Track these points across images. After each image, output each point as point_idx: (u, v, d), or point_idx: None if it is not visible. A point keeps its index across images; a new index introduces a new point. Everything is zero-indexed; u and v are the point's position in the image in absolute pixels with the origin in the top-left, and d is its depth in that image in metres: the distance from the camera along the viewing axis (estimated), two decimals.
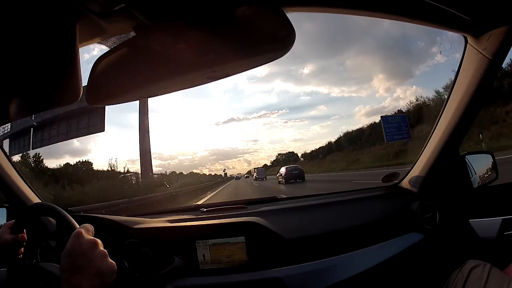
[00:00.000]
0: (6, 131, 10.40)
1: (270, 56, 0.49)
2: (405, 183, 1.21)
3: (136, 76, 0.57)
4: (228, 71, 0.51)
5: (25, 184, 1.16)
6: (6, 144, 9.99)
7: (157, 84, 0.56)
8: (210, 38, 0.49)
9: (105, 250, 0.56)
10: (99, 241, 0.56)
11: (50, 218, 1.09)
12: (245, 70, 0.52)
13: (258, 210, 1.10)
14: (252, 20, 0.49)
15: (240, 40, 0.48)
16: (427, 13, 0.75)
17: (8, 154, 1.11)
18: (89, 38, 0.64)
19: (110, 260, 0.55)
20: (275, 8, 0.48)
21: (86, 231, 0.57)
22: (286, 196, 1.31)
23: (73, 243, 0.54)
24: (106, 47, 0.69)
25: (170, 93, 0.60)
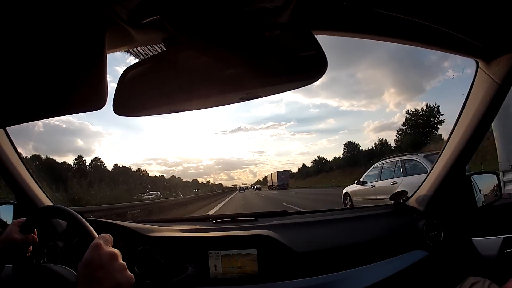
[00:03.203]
0: None
1: (302, 83, 0.51)
2: (412, 202, 1.22)
3: (168, 91, 0.58)
4: (261, 93, 0.53)
5: (35, 183, 1.15)
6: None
7: (189, 100, 0.57)
8: (245, 61, 0.51)
9: (124, 263, 0.55)
10: (118, 253, 0.55)
11: (59, 219, 1.08)
12: (276, 93, 0.54)
13: (269, 223, 1.11)
14: (286, 46, 0.50)
15: (276, 65, 0.50)
16: (441, 40, 0.77)
17: (20, 153, 1.11)
18: (117, 45, 0.65)
19: (129, 273, 0.55)
20: (308, 35, 0.50)
21: (106, 242, 0.56)
22: (296, 211, 1.33)
23: (92, 254, 0.53)
24: (132, 56, 0.70)
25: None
